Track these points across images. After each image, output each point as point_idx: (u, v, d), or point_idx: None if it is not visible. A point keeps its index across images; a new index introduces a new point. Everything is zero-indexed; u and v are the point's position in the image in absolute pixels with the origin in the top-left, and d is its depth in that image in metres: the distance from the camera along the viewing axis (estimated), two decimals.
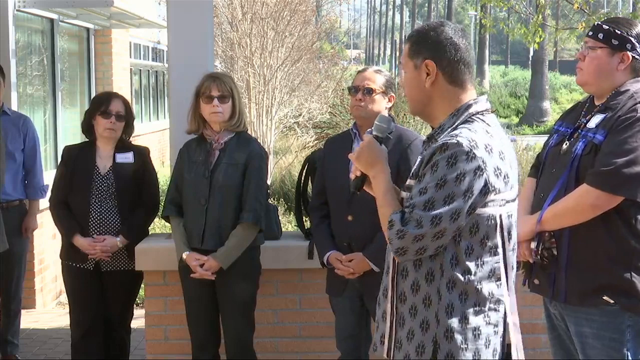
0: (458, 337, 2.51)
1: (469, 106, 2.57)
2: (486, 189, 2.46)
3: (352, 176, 2.75)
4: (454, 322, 2.52)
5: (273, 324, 4.88)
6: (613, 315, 3.16)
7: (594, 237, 3.17)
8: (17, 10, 7.70)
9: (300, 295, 4.89)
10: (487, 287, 2.52)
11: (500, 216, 2.51)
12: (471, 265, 2.51)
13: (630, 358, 3.19)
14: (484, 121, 2.55)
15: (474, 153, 2.44)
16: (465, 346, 2.51)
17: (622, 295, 3.14)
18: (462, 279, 2.51)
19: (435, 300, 2.55)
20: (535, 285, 3.37)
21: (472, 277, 2.51)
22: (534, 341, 4.74)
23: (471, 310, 2.52)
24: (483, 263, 2.52)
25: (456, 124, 2.55)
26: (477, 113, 2.56)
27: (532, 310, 4.52)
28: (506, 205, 2.53)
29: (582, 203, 3.15)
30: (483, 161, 2.45)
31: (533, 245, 3.30)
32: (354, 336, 4.21)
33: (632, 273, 3.14)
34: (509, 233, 2.56)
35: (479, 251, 2.51)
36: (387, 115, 2.77)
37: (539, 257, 3.29)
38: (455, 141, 2.46)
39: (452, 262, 2.52)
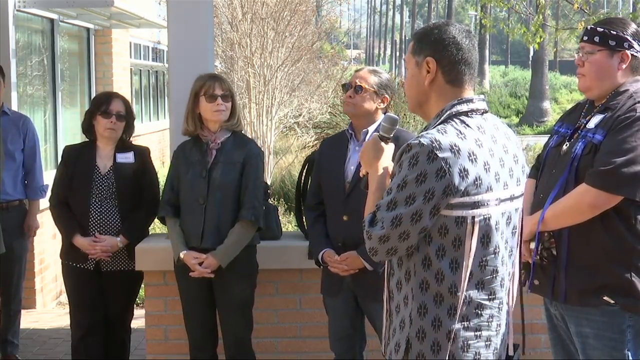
0: (430, 339, 2.50)
1: (452, 106, 2.55)
2: (449, 190, 2.41)
3: (361, 174, 2.79)
4: (426, 323, 2.51)
5: (273, 324, 4.88)
6: (613, 315, 3.16)
7: (594, 237, 3.17)
8: (17, 10, 7.70)
9: (300, 295, 4.89)
10: (465, 291, 2.48)
11: (473, 218, 2.46)
12: (444, 267, 2.48)
13: (630, 358, 3.19)
14: (464, 122, 2.50)
15: (435, 154, 2.41)
16: (438, 348, 2.50)
17: (622, 295, 3.14)
18: (435, 280, 2.49)
19: (410, 300, 2.54)
20: (535, 285, 3.37)
21: (446, 280, 2.48)
22: (534, 341, 4.74)
23: (446, 313, 2.49)
24: (458, 266, 2.47)
25: (436, 124, 2.53)
26: (460, 113, 2.53)
27: (532, 310, 4.50)
28: (487, 207, 2.47)
29: (581, 203, 3.14)
30: (446, 162, 2.41)
31: (532, 245, 3.30)
32: (348, 337, 4.21)
33: (632, 273, 3.14)
34: (487, 236, 2.49)
35: (453, 253, 2.47)
36: (393, 115, 2.77)
37: (538, 257, 3.29)
38: (417, 142, 2.45)
39: (424, 263, 2.50)
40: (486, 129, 2.54)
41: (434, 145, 2.43)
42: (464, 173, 2.43)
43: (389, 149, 2.69)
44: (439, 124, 2.52)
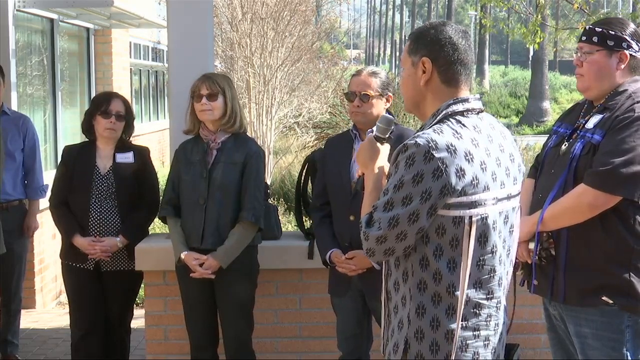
0: (428, 339, 2.51)
1: (448, 106, 2.55)
2: (446, 190, 2.41)
3: (357, 175, 2.79)
4: (425, 323, 2.51)
5: (273, 324, 4.88)
6: (612, 315, 3.17)
7: (593, 237, 3.17)
8: (17, 10, 7.70)
9: (300, 295, 4.89)
10: (463, 291, 2.48)
11: (471, 218, 2.45)
12: (442, 267, 2.48)
13: (629, 358, 3.19)
14: (460, 122, 2.50)
15: (432, 154, 2.41)
16: (436, 348, 2.50)
17: (620, 295, 3.15)
18: (432, 280, 2.49)
19: (408, 300, 2.55)
20: (534, 286, 3.37)
21: (444, 280, 2.48)
22: (534, 341, 4.74)
23: (444, 313, 2.49)
24: (456, 265, 2.48)
25: (432, 124, 2.53)
26: (456, 113, 2.53)
27: (531, 310, 4.52)
28: (484, 206, 2.47)
29: (580, 203, 3.14)
30: (443, 162, 2.41)
31: (531, 246, 3.30)
32: (355, 336, 4.22)
33: (631, 273, 3.14)
34: (484, 235, 2.49)
35: (450, 253, 2.47)
36: (388, 115, 2.77)
37: (537, 257, 3.29)
38: (414, 142, 2.45)
39: (422, 263, 2.50)
40: (482, 128, 2.55)
41: (430, 145, 2.43)
42: (460, 173, 2.43)
43: (384, 149, 2.70)
44: (434, 124, 2.52)
